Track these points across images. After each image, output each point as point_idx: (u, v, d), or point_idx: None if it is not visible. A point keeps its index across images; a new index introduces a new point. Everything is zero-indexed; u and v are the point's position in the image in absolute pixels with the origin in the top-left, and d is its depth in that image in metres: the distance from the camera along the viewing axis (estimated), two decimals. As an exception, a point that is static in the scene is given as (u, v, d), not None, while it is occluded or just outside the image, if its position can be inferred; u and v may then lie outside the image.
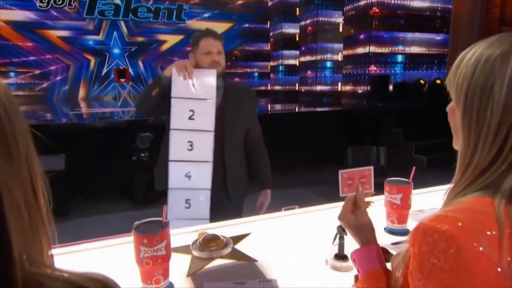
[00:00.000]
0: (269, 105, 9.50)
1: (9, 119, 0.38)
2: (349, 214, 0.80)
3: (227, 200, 1.78)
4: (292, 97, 10.73)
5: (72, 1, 7.39)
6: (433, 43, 8.93)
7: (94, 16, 7.83)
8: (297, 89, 11.15)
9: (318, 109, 7.60)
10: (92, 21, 7.92)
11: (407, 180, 1.15)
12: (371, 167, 0.83)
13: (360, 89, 9.28)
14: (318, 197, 4.10)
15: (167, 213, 0.93)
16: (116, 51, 8.56)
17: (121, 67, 7.52)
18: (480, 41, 0.59)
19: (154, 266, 0.88)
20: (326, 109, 8.20)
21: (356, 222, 0.79)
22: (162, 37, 8.83)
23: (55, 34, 7.99)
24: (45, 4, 7.30)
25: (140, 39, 8.65)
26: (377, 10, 8.52)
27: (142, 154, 4.05)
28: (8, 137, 0.38)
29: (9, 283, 0.35)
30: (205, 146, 1.63)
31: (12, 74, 8.03)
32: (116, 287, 0.44)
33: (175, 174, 1.65)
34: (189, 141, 1.63)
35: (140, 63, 8.91)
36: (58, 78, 8.56)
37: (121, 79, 7.05)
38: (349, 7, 9.52)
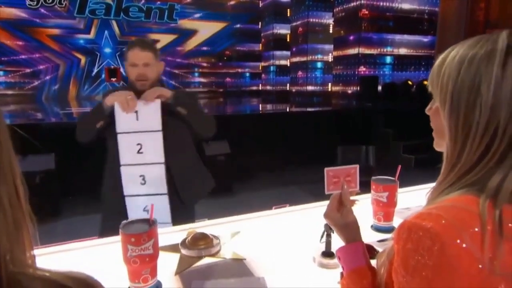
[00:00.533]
0: (260, 105, 9.53)
1: None
2: (334, 212, 0.81)
3: (180, 204, 1.67)
4: (283, 97, 10.77)
5: (63, 0, 7.29)
6: (420, 45, 9.06)
7: (85, 15, 7.73)
8: (288, 89, 11.19)
9: (309, 109, 7.64)
10: (82, 20, 7.83)
11: (393, 178, 1.17)
12: (357, 165, 0.85)
13: (349, 90, 9.37)
14: (309, 196, 4.11)
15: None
16: (107, 50, 8.47)
17: (112, 66, 7.46)
18: (460, 43, 0.59)
19: (142, 265, 0.88)
20: (317, 109, 8.25)
21: (341, 220, 0.79)
22: (154, 36, 8.78)
23: (45, 32, 7.89)
24: (35, 2, 7.18)
25: (132, 38, 8.60)
26: (367, 12, 8.62)
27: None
28: None
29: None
30: (158, 177, 1.57)
31: (1, 73, 7.90)
32: (98, 286, 0.44)
33: (132, 208, 1.60)
34: (140, 175, 1.57)
35: (131, 63, 8.86)
36: (48, 77, 8.44)
37: (112, 79, 6.97)
38: (339, 8, 9.61)
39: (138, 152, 1.56)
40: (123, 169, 1.57)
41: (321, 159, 4.88)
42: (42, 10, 7.52)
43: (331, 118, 6.07)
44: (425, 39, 8.98)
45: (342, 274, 0.77)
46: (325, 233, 1.00)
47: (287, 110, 8.13)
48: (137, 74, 1.57)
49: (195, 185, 1.75)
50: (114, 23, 8.24)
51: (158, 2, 8.36)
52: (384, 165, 4.96)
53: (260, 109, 8.86)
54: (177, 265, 1.04)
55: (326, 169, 0.85)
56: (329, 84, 10.27)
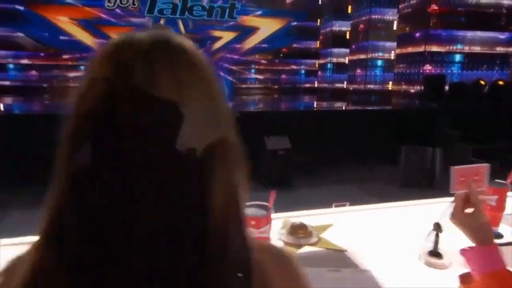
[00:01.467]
0: (315, 102, 9.43)
1: None
2: (461, 213, 0.78)
3: None
4: (339, 95, 10.57)
5: (135, 1, 7.79)
6: (495, 42, 8.37)
7: (154, 14, 8.21)
8: (345, 87, 10.96)
9: (368, 108, 7.44)
10: (151, 19, 8.29)
11: (503, 181, 1.13)
12: (487, 164, 0.83)
13: (412, 89, 8.96)
14: (366, 194, 4.03)
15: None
16: (173, 47, 8.90)
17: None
18: None
19: (259, 247, 0.94)
20: (376, 107, 8.00)
21: (471, 222, 0.76)
22: (215, 34, 9.05)
23: (118, 30, 8.46)
24: (112, 3, 7.78)
25: (195, 36, 8.94)
26: (436, 8, 8.16)
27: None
28: None
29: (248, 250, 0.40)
30: None
31: (82, 67, 8.67)
32: (293, 258, 0.48)
33: None
34: None
35: (195, 59, 9.20)
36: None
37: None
38: (405, 4, 9.20)
39: None
40: None
41: (377, 159, 4.78)
42: (117, 10, 8.08)
43: (391, 117, 5.87)
44: (502, 35, 8.29)
45: (464, 276, 0.74)
46: (435, 232, 0.99)
47: (343, 108, 7.98)
48: None
49: None
50: (179, 22, 8.62)
51: (220, 1, 8.59)
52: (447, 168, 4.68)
53: (315, 106, 8.78)
54: (282, 251, 1.10)
55: (452, 167, 0.84)
56: (390, 82, 9.89)
